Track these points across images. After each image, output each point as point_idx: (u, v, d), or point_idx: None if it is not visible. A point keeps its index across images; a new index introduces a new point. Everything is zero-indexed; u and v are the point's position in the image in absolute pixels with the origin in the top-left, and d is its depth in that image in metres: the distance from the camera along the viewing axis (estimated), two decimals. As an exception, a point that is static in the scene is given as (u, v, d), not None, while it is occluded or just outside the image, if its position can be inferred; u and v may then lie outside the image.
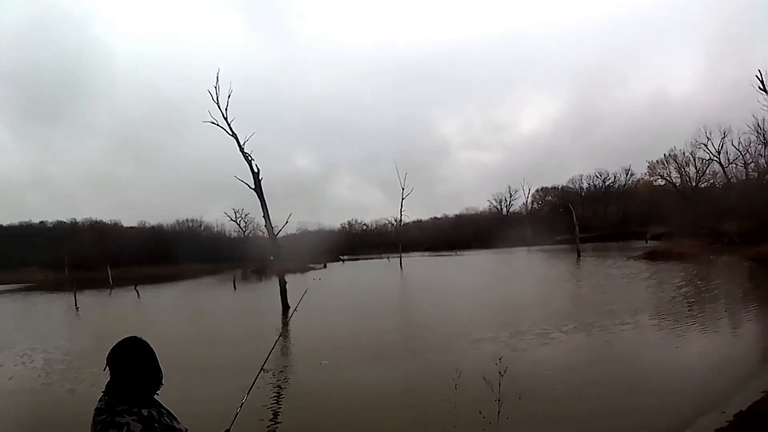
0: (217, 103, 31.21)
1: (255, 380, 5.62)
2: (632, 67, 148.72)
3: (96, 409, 3.19)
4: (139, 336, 3.37)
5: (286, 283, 30.99)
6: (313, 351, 18.05)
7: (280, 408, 12.36)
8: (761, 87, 47.73)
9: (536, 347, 16.36)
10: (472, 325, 20.26)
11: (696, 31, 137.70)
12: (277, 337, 7.07)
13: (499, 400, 7.94)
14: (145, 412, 3.16)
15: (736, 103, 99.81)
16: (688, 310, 21.40)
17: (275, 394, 13.45)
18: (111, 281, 61.93)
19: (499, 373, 8.03)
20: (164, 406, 3.40)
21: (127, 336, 3.35)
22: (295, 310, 8.14)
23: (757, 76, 47.89)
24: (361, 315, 26.62)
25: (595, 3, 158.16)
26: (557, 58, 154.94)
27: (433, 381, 12.70)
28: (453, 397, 8.71)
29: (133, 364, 3.23)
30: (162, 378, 3.38)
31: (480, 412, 8.07)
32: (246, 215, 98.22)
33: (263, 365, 6.16)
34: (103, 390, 3.24)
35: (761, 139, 57.11)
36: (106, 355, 3.26)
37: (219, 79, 30.99)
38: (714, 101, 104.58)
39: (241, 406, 4.59)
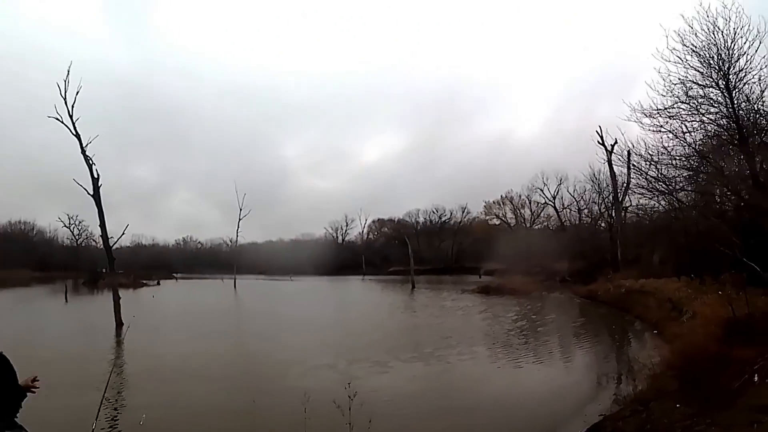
0: (64, 98, 29.65)
1: (99, 408, 5.78)
2: (479, 110, 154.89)
3: None
4: None
5: (120, 298, 29.89)
6: (150, 373, 17.30)
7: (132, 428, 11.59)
8: (600, 141, 51.97)
9: (377, 375, 16.44)
10: (310, 352, 20.10)
11: (545, 81, 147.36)
12: (113, 359, 6.24)
13: (350, 424, 8.07)
14: None
15: (575, 152, 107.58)
16: (524, 342, 22.55)
17: (113, 421, 12.48)
18: None
19: (349, 397, 8.08)
20: (24, 429, 3.17)
21: None
22: (128, 327, 7.36)
23: (597, 131, 52.31)
24: (199, 337, 25.75)
25: (444, 47, 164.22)
26: (406, 94, 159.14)
27: (281, 405, 12.44)
28: (302, 420, 8.68)
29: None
30: (23, 397, 3.18)
31: None
32: (80, 222, 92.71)
33: (104, 393, 6.11)
34: None
35: (596, 188, 61.60)
36: None
37: (69, 71, 29.47)
38: (555, 149, 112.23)
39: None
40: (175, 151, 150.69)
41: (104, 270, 61.20)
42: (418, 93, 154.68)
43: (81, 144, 30.12)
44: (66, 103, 29.62)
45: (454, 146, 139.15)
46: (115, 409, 13.21)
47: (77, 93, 29.64)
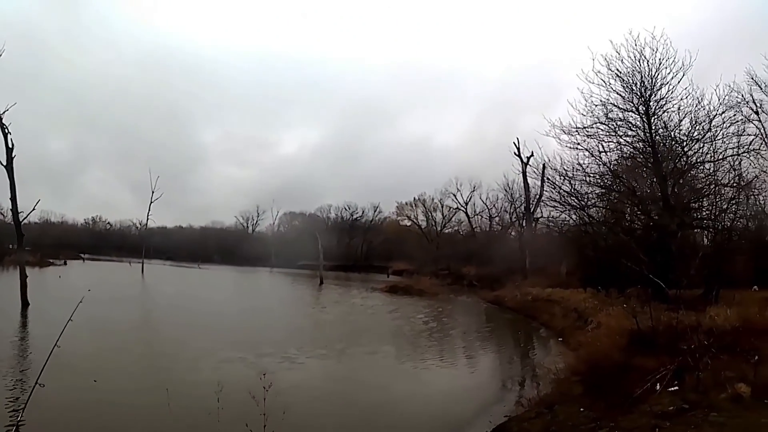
0: None
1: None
2: (401, 112, 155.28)
3: None
4: None
5: (27, 277, 28.52)
6: (57, 362, 16.34)
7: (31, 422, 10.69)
8: (516, 152, 53.12)
9: (289, 369, 16.44)
10: (221, 345, 19.72)
11: (471, 89, 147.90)
12: (51, 348, 5.99)
13: (264, 414, 7.83)
14: None
15: (491, 161, 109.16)
16: (432, 344, 23.03)
17: (18, 407, 11.72)
18: None
19: (264, 388, 7.94)
20: None
21: None
22: (70, 320, 7.08)
23: (514, 142, 53.41)
24: (107, 324, 24.06)
25: (375, 44, 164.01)
26: (332, 88, 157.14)
27: (193, 396, 12.23)
28: (216, 411, 8.47)
29: None
30: None
31: (246, 425, 7.80)
32: None
33: (37, 380, 5.68)
34: None
35: (508, 197, 63.22)
36: None
37: None
38: (473, 157, 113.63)
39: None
40: (90, 126, 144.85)
41: (11, 246, 58.63)
42: (345, 88, 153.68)
43: None
44: None
45: (374, 145, 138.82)
46: (15, 399, 12.63)
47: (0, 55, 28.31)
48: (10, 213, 31.95)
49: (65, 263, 71.01)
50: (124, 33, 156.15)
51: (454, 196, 79.28)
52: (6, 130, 28.81)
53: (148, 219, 78.42)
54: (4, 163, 29.07)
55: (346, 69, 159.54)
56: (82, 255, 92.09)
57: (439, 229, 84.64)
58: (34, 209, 32.21)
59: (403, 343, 22.29)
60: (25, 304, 27.35)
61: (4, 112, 28.45)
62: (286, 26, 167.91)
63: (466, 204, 78.28)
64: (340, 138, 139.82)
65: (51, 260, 68.47)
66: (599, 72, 23.99)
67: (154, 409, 11.42)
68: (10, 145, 29.00)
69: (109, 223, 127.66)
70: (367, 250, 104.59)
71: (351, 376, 16.37)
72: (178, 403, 10.73)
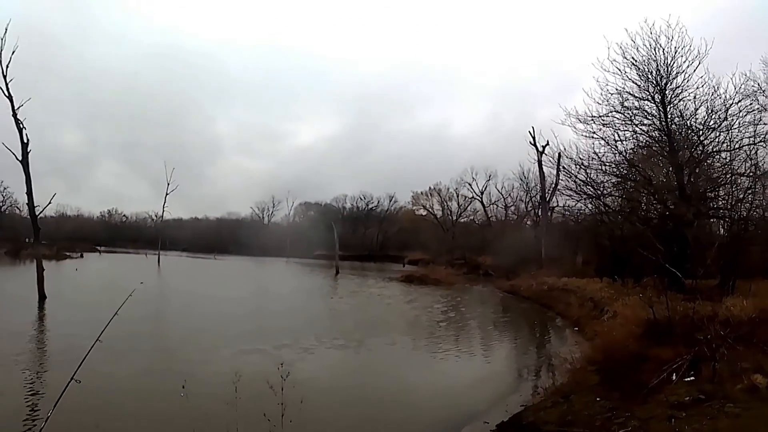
0: None
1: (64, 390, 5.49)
2: (417, 102, 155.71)
3: None
4: None
5: (43, 270, 28.57)
6: (77, 347, 16.57)
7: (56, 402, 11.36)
8: (532, 142, 53.18)
9: (305, 359, 16.42)
10: (239, 335, 19.84)
11: (489, 78, 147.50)
12: (92, 343, 6.06)
13: (282, 404, 7.97)
14: None
15: (507, 150, 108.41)
16: (448, 333, 23.01)
17: (37, 400, 12.20)
18: None
19: (282, 377, 8.05)
20: None
21: None
22: (115, 314, 7.17)
23: (530, 131, 53.45)
24: (124, 315, 24.39)
25: (391, 35, 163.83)
26: (348, 78, 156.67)
27: (211, 386, 12.32)
28: (234, 400, 8.64)
29: None
30: None
31: (264, 415, 8.05)
32: (5, 189, 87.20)
33: (73, 376, 5.68)
34: None
35: (524, 186, 63.14)
36: None
37: (7, 29, 27.65)
38: (489, 146, 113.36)
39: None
40: (104, 120, 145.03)
41: (28, 240, 59.51)
42: (361, 78, 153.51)
43: (13, 106, 28.59)
44: (1, 62, 28.09)
45: (389, 135, 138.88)
46: (34, 385, 13.02)
47: (13, 53, 28.11)
48: (26, 207, 31.88)
49: (82, 256, 71.45)
50: (136, 25, 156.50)
51: (470, 185, 79.40)
52: (21, 125, 28.86)
53: (163, 211, 78.78)
54: (20, 158, 29.13)
55: (362, 59, 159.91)
56: (99, 248, 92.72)
57: (454, 218, 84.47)
58: (50, 203, 32.60)
59: (420, 333, 22.29)
60: (42, 296, 27.47)
61: (18, 108, 28.56)
62: (301, 18, 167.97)
63: (482, 193, 78.36)
64: (356, 128, 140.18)
65: (68, 253, 68.74)
66: (614, 60, 23.89)
67: (172, 399, 11.37)
68: (26, 140, 29.08)
69: (124, 215, 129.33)
70: (382, 240, 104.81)
71: (368, 366, 16.44)
72: (195, 392, 10.86)
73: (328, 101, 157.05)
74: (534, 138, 52.43)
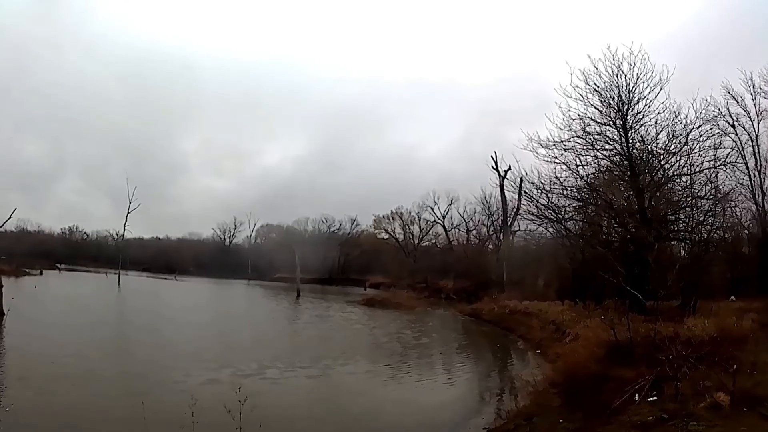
0: None
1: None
2: (386, 123, 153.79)
3: None
4: None
5: (2, 286, 28.20)
6: (37, 364, 16.71)
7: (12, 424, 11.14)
8: (494, 166, 53.11)
9: (264, 384, 16.28)
10: (196, 359, 19.55)
11: (454, 102, 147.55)
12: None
13: (239, 429, 8.03)
14: None
15: (469, 175, 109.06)
16: (410, 357, 23.00)
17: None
18: None
19: (240, 402, 8.03)
20: None
21: None
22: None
23: (492, 156, 53.34)
24: (82, 335, 24.18)
25: (359, 55, 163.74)
26: (315, 99, 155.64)
27: (168, 409, 12.17)
28: (190, 424, 8.63)
29: None
30: None
31: None
32: None
33: None
34: None
35: (486, 210, 63.52)
36: None
37: None
38: (451, 170, 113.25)
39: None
40: (68, 134, 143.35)
41: None
42: (333, 99, 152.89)
43: None
44: None
45: (357, 157, 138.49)
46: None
47: None
48: None
49: (41, 273, 69.50)
50: (105, 37, 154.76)
51: (432, 209, 79.41)
52: None
53: (125, 230, 77.65)
54: None
55: (332, 79, 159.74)
56: (59, 265, 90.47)
57: (416, 242, 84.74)
58: (10, 218, 31.88)
59: (381, 357, 22.14)
60: (0, 314, 26.97)
61: None
62: (272, 35, 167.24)
63: (444, 217, 78.41)
64: (324, 149, 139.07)
65: (27, 270, 66.85)
66: (577, 86, 24.24)
67: (128, 422, 11.19)
68: None
69: (85, 233, 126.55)
70: (344, 263, 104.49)
71: (329, 390, 16.39)
72: (152, 417, 10.68)
73: (299, 121, 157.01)
74: (496, 162, 52.53)
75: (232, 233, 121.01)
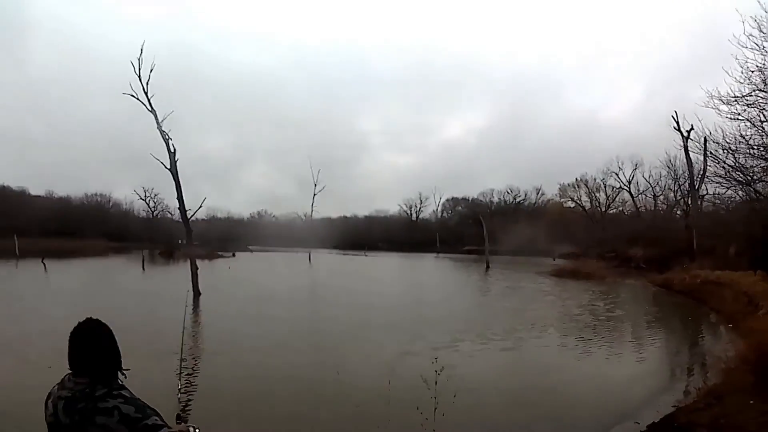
0: (139, 76, 30.07)
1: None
2: (565, 90, 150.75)
3: (63, 398, 2.95)
4: (95, 318, 3.17)
5: (197, 268, 30.42)
6: (232, 339, 18.20)
7: (211, 393, 12.19)
8: (676, 127, 49.93)
9: (459, 354, 16.71)
10: (388, 332, 20.40)
11: (639, 60, 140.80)
12: (189, 328, 6.79)
13: (434, 398, 8.09)
14: (126, 393, 2.99)
15: (654, 136, 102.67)
16: (601, 329, 22.64)
17: (200, 383, 13.27)
18: (17, 252, 60.33)
19: (436, 372, 8.23)
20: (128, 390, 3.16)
21: (87, 318, 3.15)
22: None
23: (673, 116, 50.21)
24: (277, 309, 26.15)
25: (538, 20, 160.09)
26: (494, 68, 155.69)
27: (365, 378, 12.91)
28: (386, 393, 9.07)
29: (101, 346, 3.05)
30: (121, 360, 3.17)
31: (417, 408, 8.26)
32: (156, 195, 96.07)
33: (181, 355, 6.49)
34: (66, 375, 3.05)
35: (671, 174, 60.35)
36: (69, 338, 3.05)
37: (143, 50, 29.88)
38: (635, 132, 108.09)
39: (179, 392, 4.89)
40: (250, 123, 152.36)
41: (181, 241, 63.34)
42: (511, 68, 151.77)
43: (157, 119, 30.48)
44: (141, 80, 30.04)
45: (535, 126, 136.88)
46: (192, 377, 13.72)
47: (151, 71, 30.14)
48: (178, 212, 34.21)
49: (234, 255, 75.36)
50: (277, 26, 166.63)
51: (616, 175, 77.33)
52: (167, 136, 30.82)
53: (312, 210, 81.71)
54: (169, 167, 31.13)
55: (507, 46, 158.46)
56: (250, 247, 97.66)
57: (603, 210, 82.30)
58: (201, 206, 35.62)
59: (573, 330, 22.07)
60: (196, 293, 29.31)
61: (163, 120, 30.59)
62: (447, 11, 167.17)
63: (629, 183, 76.01)
64: (502, 119, 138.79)
65: (220, 253, 72.62)
66: (751, 35, 22.45)
67: (325, 389, 12.18)
68: (173, 150, 31.03)
69: (274, 216, 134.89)
70: (531, 234, 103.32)
71: (521, 362, 16.53)
72: (349, 384, 11.73)
73: (477, 92, 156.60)
74: (678, 122, 49.20)
75: (418, 208, 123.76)
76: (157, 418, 2.96)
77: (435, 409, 8.15)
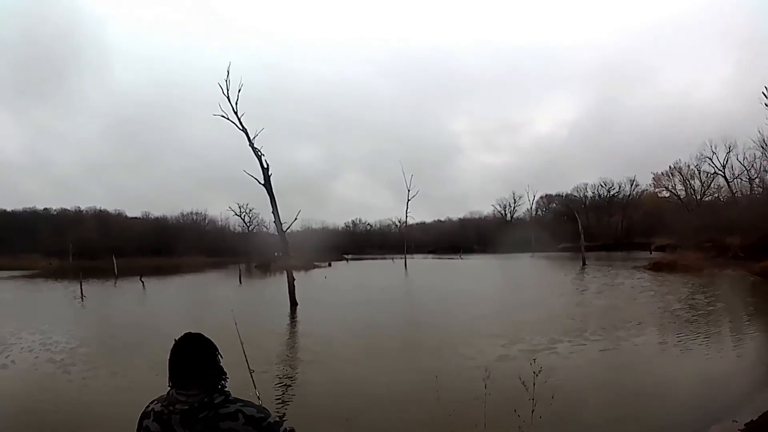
0: (228, 97, 30.72)
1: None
2: (651, 75, 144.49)
3: (178, 411, 2.95)
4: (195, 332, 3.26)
5: (294, 279, 30.99)
6: (329, 346, 18.82)
7: (309, 401, 12.68)
8: (767, 104, 47.49)
9: (555, 355, 16.79)
10: (485, 335, 20.35)
11: (725, 38, 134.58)
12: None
13: (533, 399, 8.00)
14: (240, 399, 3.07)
15: (749, 115, 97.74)
16: (700, 322, 22.05)
17: (297, 392, 13.87)
18: (116, 271, 62.34)
19: (534, 373, 8.12)
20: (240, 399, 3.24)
21: (186, 332, 3.22)
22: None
23: (763, 92, 47.79)
24: (374, 315, 26.69)
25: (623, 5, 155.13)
26: (575, 59, 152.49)
27: (461, 380, 13.23)
28: (483, 396, 8.76)
29: (208, 357, 3.10)
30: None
31: (515, 411, 8.29)
32: (251, 210, 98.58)
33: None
34: (171, 390, 3.04)
35: (766, 155, 57.72)
36: (171, 353, 3.10)
37: (230, 72, 30.51)
38: (730, 112, 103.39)
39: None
40: (339, 134, 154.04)
41: (277, 253, 64.90)
42: (594, 56, 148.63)
43: (248, 137, 30.84)
44: (230, 101, 30.56)
45: (625, 114, 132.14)
46: (289, 386, 14.28)
47: (239, 90, 30.62)
48: (273, 225, 34.42)
49: (330, 265, 76.38)
50: (359, 34, 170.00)
51: (710, 159, 73.81)
52: (259, 153, 31.19)
53: (406, 216, 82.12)
54: (262, 182, 31.53)
55: (587, 32, 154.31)
56: (346, 256, 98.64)
57: (698, 198, 79.40)
58: (296, 219, 35.70)
59: (673, 326, 21.43)
60: (293, 303, 29.74)
61: (254, 137, 31.02)
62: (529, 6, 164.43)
63: (723, 167, 72.28)
64: (592, 110, 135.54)
65: (316, 263, 73.20)
66: None
67: (422, 393, 12.19)
68: (265, 166, 31.37)
69: (369, 224, 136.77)
70: (627, 227, 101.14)
71: (620, 363, 16.21)
72: (445, 387, 11.46)
73: (565, 84, 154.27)
74: None
75: (512, 208, 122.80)
76: (274, 416, 3.09)
77: (532, 411, 8.07)
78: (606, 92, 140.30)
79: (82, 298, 38.69)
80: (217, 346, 3.19)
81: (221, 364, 3.14)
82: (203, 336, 3.18)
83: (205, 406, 2.94)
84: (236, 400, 3.04)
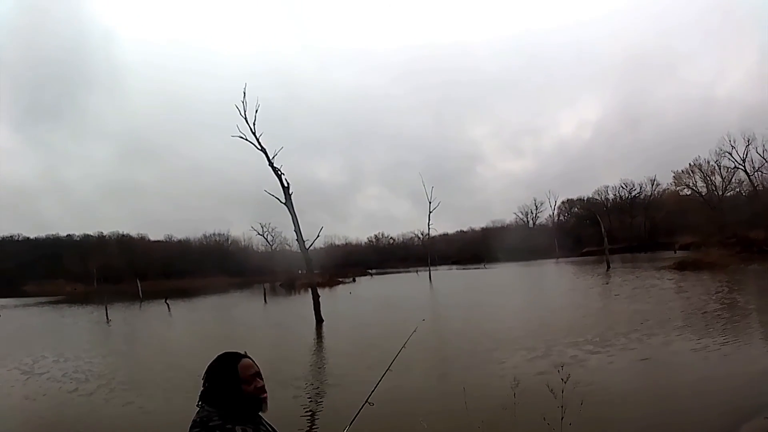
0: (245, 118, 30.80)
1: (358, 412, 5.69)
2: (670, 75, 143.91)
3: (192, 420, 3.06)
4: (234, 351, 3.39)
5: (319, 296, 31.06)
6: (353, 358, 19.23)
7: (334, 417, 12.69)
8: None
9: (583, 361, 16.65)
10: (513, 344, 20.22)
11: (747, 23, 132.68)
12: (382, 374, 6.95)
13: (562, 406, 7.99)
14: (239, 429, 3.03)
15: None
16: (728, 321, 21.70)
17: (324, 408, 13.82)
18: (140, 294, 63.17)
19: (562, 380, 8.16)
20: (266, 421, 3.39)
21: (224, 351, 3.35)
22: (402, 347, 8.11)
23: None
24: (400, 329, 26.14)
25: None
26: (598, 52, 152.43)
27: (489, 389, 13.29)
28: (512, 405, 9.03)
29: (230, 380, 3.18)
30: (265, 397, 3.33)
31: (544, 419, 8.33)
32: (273, 229, 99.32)
33: (367, 399, 5.99)
34: (200, 403, 3.15)
35: (786, 146, 57.21)
36: (207, 369, 3.24)
37: (246, 93, 30.56)
38: (751, 104, 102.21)
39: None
40: (358, 146, 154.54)
41: (300, 271, 64.85)
42: (615, 52, 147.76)
43: (268, 157, 30.92)
44: (247, 121, 30.65)
45: (645, 114, 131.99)
46: (315, 403, 14.39)
47: (256, 111, 30.63)
48: (296, 243, 34.70)
49: (354, 280, 76.02)
50: (375, 41, 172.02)
51: (729, 154, 72.75)
52: (279, 172, 31.21)
53: (429, 228, 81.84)
54: (283, 201, 31.61)
55: (609, 26, 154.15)
56: (370, 271, 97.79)
57: (720, 193, 78.57)
58: (318, 236, 35.90)
59: (696, 325, 21.15)
60: (319, 320, 29.87)
61: (273, 157, 31.10)
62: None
63: (743, 161, 71.33)
64: (613, 111, 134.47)
65: (340, 279, 73.46)
66: None
67: (450, 404, 12.22)
68: (286, 185, 31.45)
69: (391, 237, 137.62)
70: (650, 227, 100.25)
71: (646, 364, 16.05)
72: (473, 396, 11.32)
73: (586, 85, 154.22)
74: None
75: (534, 214, 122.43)
76: None
77: (562, 418, 8.06)
78: (629, 88, 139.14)
79: (108, 321, 39.82)
80: (219, 369, 3.26)
81: (225, 388, 3.17)
82: (217, 360, 3.29)
83: (200, 423, 3.03)
84: (226, 429, 3.01)
